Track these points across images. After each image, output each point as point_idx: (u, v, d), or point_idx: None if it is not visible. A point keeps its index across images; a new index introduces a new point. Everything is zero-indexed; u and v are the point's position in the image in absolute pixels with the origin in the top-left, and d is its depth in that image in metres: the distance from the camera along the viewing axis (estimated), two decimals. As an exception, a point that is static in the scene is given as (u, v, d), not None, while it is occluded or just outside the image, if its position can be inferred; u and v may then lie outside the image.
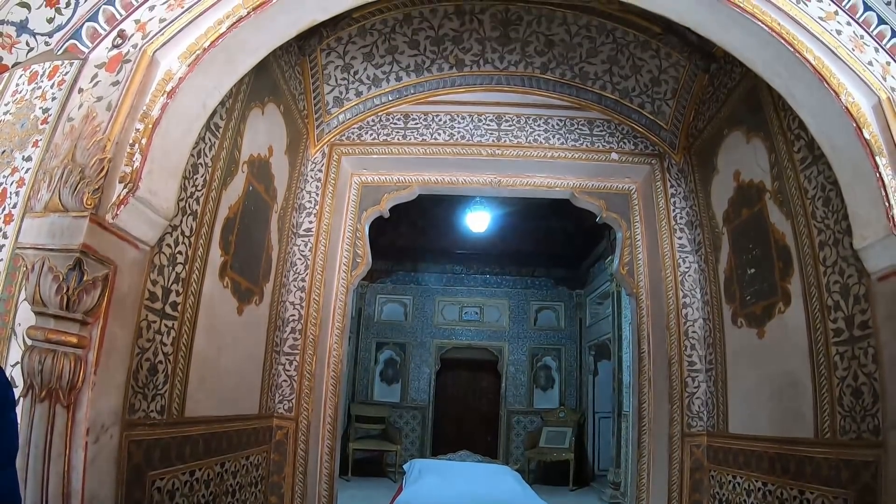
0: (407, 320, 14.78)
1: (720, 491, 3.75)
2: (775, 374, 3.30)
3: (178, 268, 2.68)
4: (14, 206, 2.30)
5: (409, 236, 13.73)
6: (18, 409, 1.08)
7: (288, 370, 4.04)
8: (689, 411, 4.03)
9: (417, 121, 4.55)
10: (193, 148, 2.61)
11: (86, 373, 2.10)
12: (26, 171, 2.33)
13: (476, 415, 14.82)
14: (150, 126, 2.28)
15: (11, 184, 2.34)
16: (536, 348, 14.55)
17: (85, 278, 2.07)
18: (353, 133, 4.54)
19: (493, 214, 11.98)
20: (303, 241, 4.22)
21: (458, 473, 8.98)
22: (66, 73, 2.45)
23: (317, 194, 4.33)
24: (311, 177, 4.37)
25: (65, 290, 2.04)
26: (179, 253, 2.68)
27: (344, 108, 4.50)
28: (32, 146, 2.37)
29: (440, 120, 4.54)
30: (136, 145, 2.23)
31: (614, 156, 4.45)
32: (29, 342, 2.06)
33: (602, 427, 13.38)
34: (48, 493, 1.99)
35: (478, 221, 11.75)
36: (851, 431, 2.68)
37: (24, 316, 2.13)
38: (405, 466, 10.05)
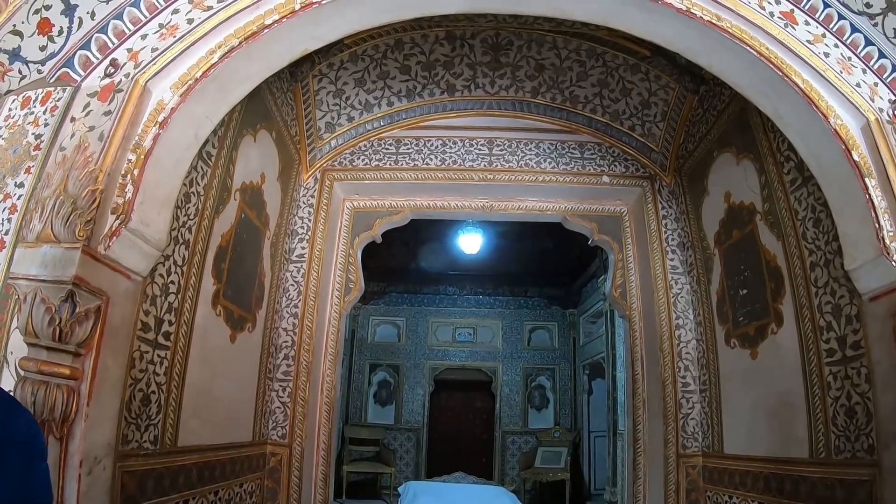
0: (400, 341, 14.74)
1: (717, 512, 3.75)
2: (769, 395, 3.31)
3: (171, 297, 2.67)
4: (6, 233, 2.29)
5: (402, 257, 13.74)
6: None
7: (281, 397, 4.01)
8: (684, 432, 4.03)
9: (409, 146, 4.57)
10: (185, 177, 2.61)
11: (79, 404, 2.09)
12: (18, 198, 2.32)
13: (471, 436, 14.75)
14: (142, 156, 2.28)
15: (3, 210, 2.33)
16: (530, 368, 14.51)
17: (77, 310, 2.06)
18: (345, 158, 4.55)
19: (486, 236, 12.01)
20: (295, 266, 4.22)
21: (454, 496, 8.93)
22: (59, 98, 2.45)
23: (309, 220, 4.34)
24: (304, 202, 4.37)
25: (57, 322, 2.03)
26: (172, 283, 2.67)
27: (336, 134, 4.52)
28: (25, 172, 2.36)
29: (432, 145, 4.56)
30: (129, 176, 2.23)
31: (605, 178, 4.47)
32: (22, 373, 2.04)
33: (597, 446, 13.32)
34: None
35: (470, 243, 11.77)
36: (846, 451, 2.68)
37: (17, 344, 2.12)
38: (400, 489, 9.97)
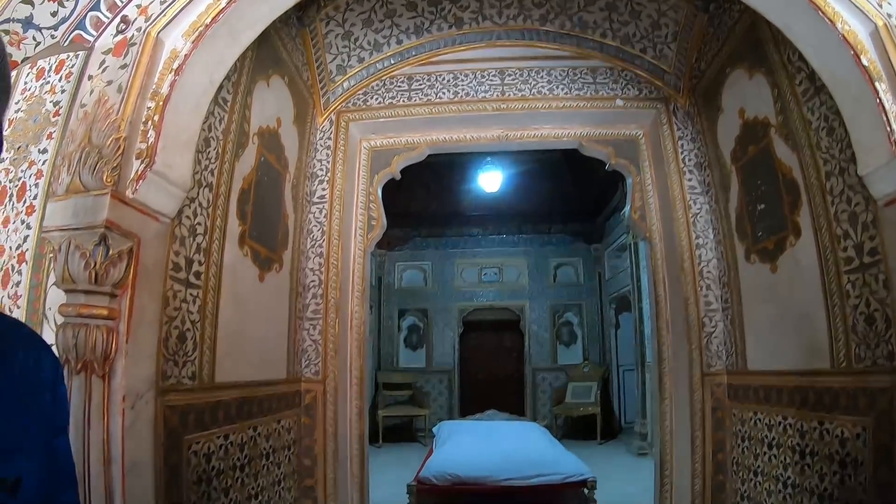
0: (427, 286, 14.87)
1: (742, 428, 3.80)
2: (790, 308, 3.32)
3: (199, 238, 2.77)
4: (35, 198, 2.40)
5: (424, 202, 13.77)
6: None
7: (312, 335, 4.12)
8: (708, 351, 4.07)
9: (421, 82, 4.57)
10: (204, 122, 2.68)
11: (118, 343, 2.20)
12: (43, 163, 2.43)
13: (501, 374, 14.95)
14: (161, 103, 2.36)
15: (30, 176, 2.44)
16: (557, 305, 14.60)
17: (111, 252, 2.16)
18: (358, 99, 4.57)
19: (506, 174, 11.99)
20: (317, 208, 4.29)
21: (487, 432, 9.12)
22: (73, 65, 2.54)
23: (328, 162, 4.38)
24: (321, 145, 4.41)
25: (92, 266, 2.12)
26: (199, 224, 2.76)
27: (347, 76, 4.53)
28: (47, 138, 2.46)
29: (443, 79, 4.56)
30: (149, 122, 2.31)
31: (619, 102, 4.45)
32: (61, 320, 2.15)
33: (627, 380, 13.47)
34: (90, 461, 2.09)
35: (490, 181, 11.79)
36: (867, 359, 2.70)
37: (54, 301, 2.22)
38: (434, 429, 10.21)
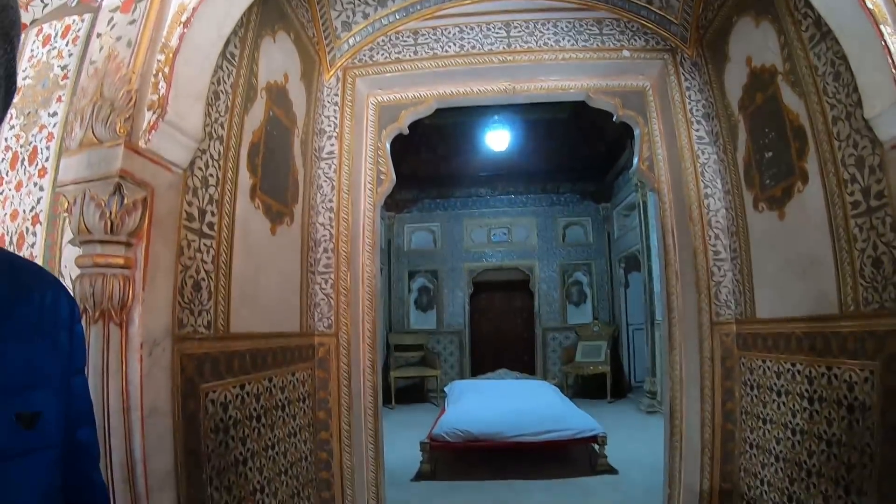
0: (437, 247, 14.95)
1: (751, 376, 3.86)
2: (798, 255, 3.35)
3: (211, 189, 2.80)
4: (46, 160, 2.46)
5: (432, 163, 13.78)
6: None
7: (324, 289, 4.17)
8: (717, 300, 4.11)
9: (427, 36, 4.55)
10: (213, 75, 2.70)
11: (135, 291, 2.25)
12: (54, 126, 2.48)
13: (512, 334, 15.09)
14: (171, 55, 2.38)
15: (41, 140, 2.49)
16: (567, 264, 14.67)
17: (125, 201, 2.20)
18: (364, 55, 4.56)
19: (513, 133, 11.96)
20: (326, 164, 4.31)
21: (499, 391, 9.27)
22: (79, 28, 2.59)
23: (335, 118, 4.39)
24: (329, 101, 4.42)
25: (108, 215, 2.17)
26: (210, 175, 2.80)
27: (353, 32, 4.52)
28: (56, 101, 2.51)
29: (449, 33, 4.54)
30: (160, 74, 2.34)
31: (626, 53, 4.43)
32: (78, 271, 2.20)
33: (636, 339, 13.58)
34: (109, 409, 2.14)
35: (498, 140, 11.75)
36: (874, 302, 2.73)
37: (69, 259, 2.28)
38: (446, 388, 10.38)
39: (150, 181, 2.33)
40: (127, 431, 2.16)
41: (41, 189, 2.42)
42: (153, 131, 2.30)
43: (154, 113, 2.30)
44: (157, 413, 2.31)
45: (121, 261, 2.22)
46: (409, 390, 13.63)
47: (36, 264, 1.16)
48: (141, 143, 2.28)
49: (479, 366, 13.96)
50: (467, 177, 14.62)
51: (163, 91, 2.34)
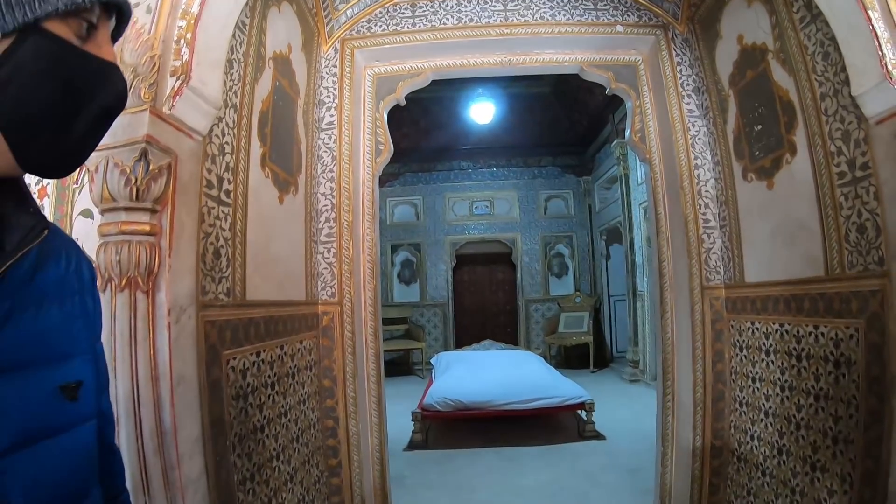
0: (419, 220, 15.01)
1: (740, 338, 4.03)
2: (786, 221, 3.51)
3: (227, 157, 2.84)
4: None
5: (414, 137, 13.81)
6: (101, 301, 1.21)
7: (327, 258, 4.23)
8: (707, 265, 4.27)
9: (424, 8, 4.57)
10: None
11: (161, 258, 2.28)
12: None
13: (495, 307, 15.26)
14: (192, 21, 2.41)
15: None
16: (548, 237, 14.82)
17: (151, 167, 2.22)
18: (362, 27, 4.59)
19: (496, 107, 12.02)
20: (326, 134, 4.34)
21: (486, 361, 9.44)
22: None
23: (334, 89, 4.42)
24: (327, 73, 4.44)
25: (133, 182, 2.19)
26: (226, 143, 2.83)
27: (350, 3, 4.53)
28: None
29: (447, 5, 4.56)
30: (182, 40, 2.37)
31: (619, 28, 4.50)
32: (92, 243, 2.22)
33: (618, 309, 13.82)
34: (138, 378, 2.18)
35: (482, 113, 11.82)
36: (858, 265, 2.92)
37: (80, 231, 2.35)
38: (433, 360, 10.54)
39: (174, 147, 2.36)
40: (156, 401, 2.20)
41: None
42: (177, 97, 2.33)
43: (178, 79, 2.33)
44: (184, 381, 2.35)
45: (147, 227, 2.24)
46: (393, 363, 13.76)
47: (57, 227, 1.13)
48: (165, 110, 2.30)
49: (463, 338, 14.12)
50: (449, 150, 14.67)
51: (186, 57, 2.37)
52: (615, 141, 11.59)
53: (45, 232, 1.02)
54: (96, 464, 1.08)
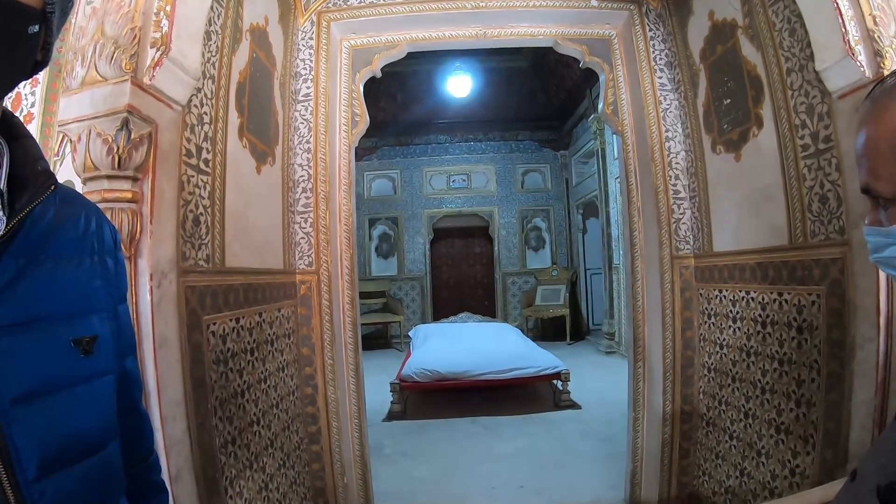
0: (396, 194, 15.04)
1: (708, 306, 4.17)
2: (752, 192, 3.63)
3: (206, 127, 2.89)
4: (32, 106, 2.57)
5: (390, 111, 13.80)
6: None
7: (304, 227, 4.28)
8: (677, 235, 4.39)
9: (401, -20, 4.60)
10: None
11: (143, 224, 2.36)
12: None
13: (472, 280, 15.37)
14: (171, -6, 2.46)
15: (24, 86, 2.59)
16: (525, 210, 14.92)
17: (132, 136, 2.29)
18: (338, -1, 4.61)
19: (474, 80, 12.04)
20: (303, 106, 4.37)
21: (463, 333, 9.57)
22: None
23: (310, 62, 4.44)
24: (304, 45, 4.45)
25: (115, 150, 2.25)
26: (205, 113, 2.88)
27: (326, -24, 4.56)
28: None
29: (423, -22, 4.59)
30: (161, 13, 2.41)
31: (594, 2, 4.54)
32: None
33: (594, 283, 13.99)
34: None
35: (459, 86, 11.83)
36: (820, 234, 3.05)
37: None
38: (411, 333, 10.65)
39: (154, 117, 2.42)
40: (140, 362, 2.24)
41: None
42: (157, 68, 2.38)
43: (157, 50, 2.38)
44: (167, 344, 2.43)
45: (129, 195, 2.31)
46: (372, 337, 13.84)
47: (76, 191, 1.18)
48: (145, 80, 2.35)
49: (441, 311, 14.24)
50: (426, 124, 14.67)
51: (165, 29, 2.41)
52: (592, 116, 11.67)
53: (53, 188, 1.06)
54: (114, 418, 1.13)
